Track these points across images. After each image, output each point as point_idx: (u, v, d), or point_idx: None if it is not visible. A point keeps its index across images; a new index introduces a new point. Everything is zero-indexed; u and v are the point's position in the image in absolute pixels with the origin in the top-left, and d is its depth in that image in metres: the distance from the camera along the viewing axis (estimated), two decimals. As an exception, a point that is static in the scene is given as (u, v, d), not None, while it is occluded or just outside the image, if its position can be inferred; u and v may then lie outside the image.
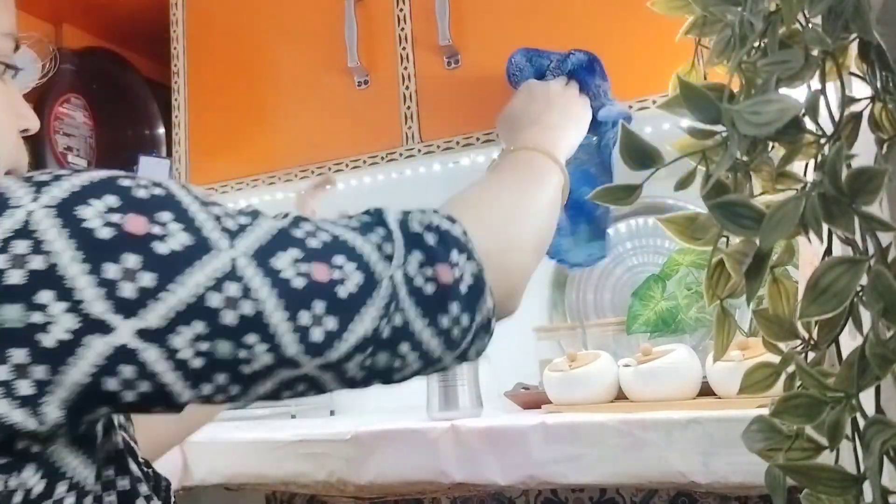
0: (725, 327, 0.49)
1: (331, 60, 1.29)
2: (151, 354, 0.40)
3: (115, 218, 0.41)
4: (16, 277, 0.39)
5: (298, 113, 1.33)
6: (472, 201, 0.61)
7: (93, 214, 0.41)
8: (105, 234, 0.41)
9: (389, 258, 0.48)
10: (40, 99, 1.38)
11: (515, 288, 0.59)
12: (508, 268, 0.57)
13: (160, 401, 0.43)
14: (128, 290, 0.40)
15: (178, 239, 0.42)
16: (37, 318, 0.38)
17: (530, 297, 1.56)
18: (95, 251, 0.40)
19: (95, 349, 0.39)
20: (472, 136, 1.18)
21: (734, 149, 0.40)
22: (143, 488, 0.51)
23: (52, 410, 0.39)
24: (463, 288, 0.50)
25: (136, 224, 0.42)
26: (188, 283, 0.41)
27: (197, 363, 0.42)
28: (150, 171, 1.42)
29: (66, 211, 0.41)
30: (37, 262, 0.39)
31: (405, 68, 1.24)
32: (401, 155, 1.23)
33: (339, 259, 0.46)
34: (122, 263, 0.40)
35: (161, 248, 0.42)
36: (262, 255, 0.44)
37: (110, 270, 0.40)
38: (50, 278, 0.39)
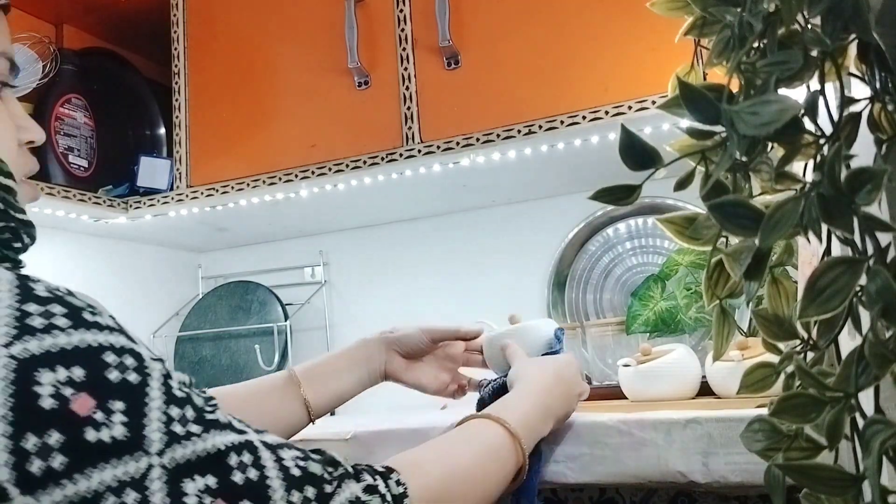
0: (725, 327, 0.49)
1: (331, 61, 1.30)
2: None
3: (67, 392, 0.41)
4: None
5: (298, 113, 1.33)
6: (439, 466, 0.61)
7: (48, 381, 0.41)
8: (47, 404, 0.40)
9: None
10: (41, 100, 1.38)
11: None
12: None
13: None
14: (35, 467, 0.39)
15: (112, 431, 0.42)
16: None
17: (530, 297, 1.57)
18: (28, 418, 0.40)
19: None
20: (472, 136, 1.18)
21: (733, 149, 0.40)
22: None
23: None
24: None
25: (82, 404, 0.41)
26: (93, 478, 0.40)
27: None
28: (151, 171, 1.42)
29: (25, 369, 0.41)
30: None
31: (405, 69, 1.24)
32: (401, 155, 1.23)
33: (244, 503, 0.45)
34: (45, 439, 0.40)
35: (91, 434, 0.41)
36: (180, 473, 0.43)
37: (30, 442, 0.40)
38: None
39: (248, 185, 1.35)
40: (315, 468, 0.49)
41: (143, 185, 1.42)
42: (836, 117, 0.40)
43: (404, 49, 1.25)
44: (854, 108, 0.41)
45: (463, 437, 0.68)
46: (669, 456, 0.82)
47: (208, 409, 0.48)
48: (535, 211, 1.54)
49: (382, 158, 1.24)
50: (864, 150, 0.40)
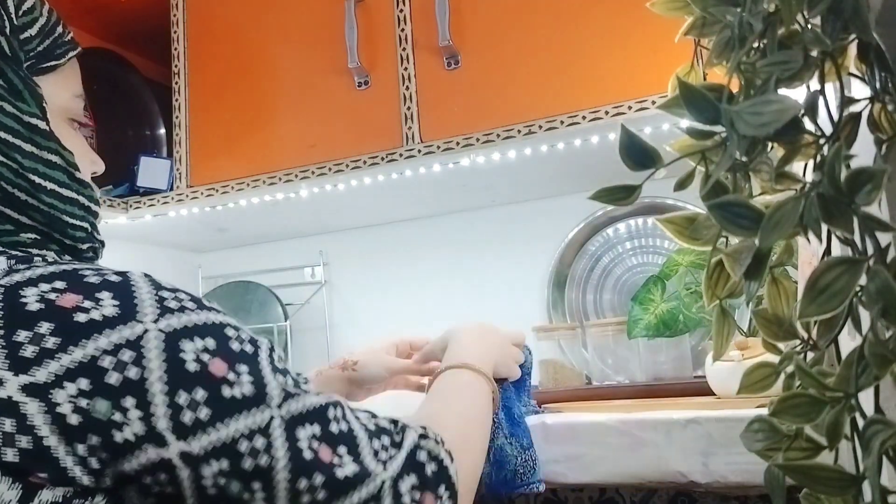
0: (725, 327, 0.49)
1: (331, 61, 1.30)
2: (184, 474, 0.49)
3: (205, 357, 0.51)
4: (113, 379, 0.48)
5: (298, 113, 1.33)
6: (441, 421, 0.70)
7: (190, 349, 0.51)
8: (192, 367, 0.50)
9: (384, 463, 0.57)
10: (40, 99, 1.38)
11: (471, 491, 0.68)
12: (468, 469, 0.67)
13: None
14: (187, 418, 0.49)
15: (243, 389, 0.51)
16: (117, 416, 0.48)
17: (530, 297, 1.57)
18: (178, 379, 0.49)
19: (148, 455, 0.48)
20: (472, 137, 1.18)
21: (733, 149, 0.40)
22: None
23: (106, 480, 0.49)
24: None
25: (218, 367, 0.51)
26: (231, 427, 0.50)
27: (212, 492, 0.50)
28: (151, 170, 1.42)
29: (172, 340, 0.50)
30: (133, 372, 0.48)
31: (405, 69, 1.24)
32: (401, 155, 1.23)
33: (341, 449, 0.55)
34: (193, 395, 0.49)
35: (227, 392, 0.51)
36: (294, 423, 0.53)
37: (181, 398, 0.49)
38: (137, 388, 0.48)
39: (248, 185, 1.35)
40: (384, 423, 0.60)
41: (143, 185, 1.42)
42: (836, 117, 0.40)
43: (404, 49, 1.25)
44: (854, 108, 0.41)
45: (449, 389, 0.79)
46: (669, 456, 0.82)
47: (299, 378, 0.57)
48: (535, 211, 1.54)
49: (382, 158, 1.24)
50: (864, 150, 0.40)
